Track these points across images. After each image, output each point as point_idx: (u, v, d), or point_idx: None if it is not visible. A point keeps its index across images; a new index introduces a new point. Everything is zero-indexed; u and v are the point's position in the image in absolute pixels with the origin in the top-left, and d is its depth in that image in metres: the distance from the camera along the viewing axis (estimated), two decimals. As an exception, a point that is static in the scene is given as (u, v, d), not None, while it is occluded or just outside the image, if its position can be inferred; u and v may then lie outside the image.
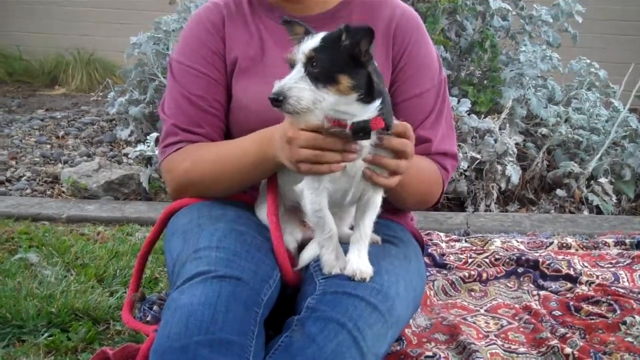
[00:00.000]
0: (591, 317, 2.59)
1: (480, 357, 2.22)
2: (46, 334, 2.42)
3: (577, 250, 3.36)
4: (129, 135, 5.31)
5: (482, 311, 2.65)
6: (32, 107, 7.00)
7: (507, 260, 3.07)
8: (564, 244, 3.40)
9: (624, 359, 2.27)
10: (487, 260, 3.11)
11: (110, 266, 3.01)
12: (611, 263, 3.16)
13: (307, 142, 1.87)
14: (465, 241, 3.49)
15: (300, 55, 1.79)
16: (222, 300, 1.81)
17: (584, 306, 2.66)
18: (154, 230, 2.37)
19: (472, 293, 2.82)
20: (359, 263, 1.97)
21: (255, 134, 2.15)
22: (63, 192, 4.44)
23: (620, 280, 2.94)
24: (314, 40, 1.81)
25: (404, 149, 1.93)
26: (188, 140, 2.30)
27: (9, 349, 2.35)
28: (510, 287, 2.89)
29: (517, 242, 3.45)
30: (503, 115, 4.44)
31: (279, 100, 1.75)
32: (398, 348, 2.28)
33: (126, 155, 5.08)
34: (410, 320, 2.44)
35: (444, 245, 3.41)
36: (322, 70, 1.77)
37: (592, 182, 4.43)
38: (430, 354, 2.26)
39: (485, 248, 3.34)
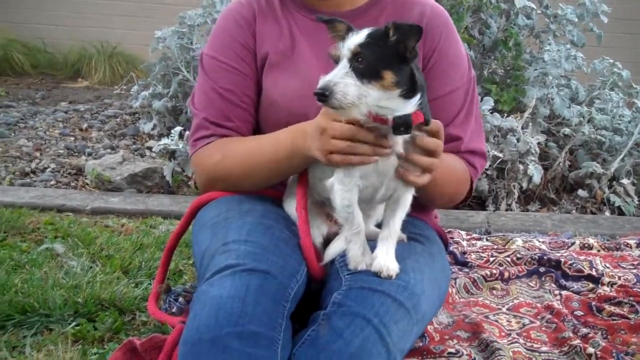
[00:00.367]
0: (613, 317, 2.59)
1: (503, 355, 2.23)
2: (73, 324, 2.45)
3: (598, 251, 3.36)
4: (152, 129, 5.35)
5: (504, 310, 2.66)
6: (56, 99, 7.07)
7: (529, 259, 3.08)
8: (586, 245, 3.40)
9: (647, 360, 2.27)
10: (508, 259, 3.12)
11: (135, 258, 3.04)
12: (633, 264, 3.16)
13: (340, 133, 1.90)
14: (487, 240, 3.50)
15: (346, 51, 1.81)
16: (251, 293, 1.83)
17: (606, 307, 2.66)
18: (181, 223, 2.40)
19: (494, 291, 2.83)
20: (386, 260, 1.99)
21: (288, 128, 2.17)
22: (87, 184, 4.49)
23: (643, 282, 2.93)
24: (359, 36, 1.83)
25: (435, 148, 1.95)
26: (219, 134, 2.32)
27: (37, 337, 2.39)
28: (532, 287, 2.90)
29: (539, 241, 3.45)
30: (526, 115, 4.43)
31: (325, 95, 1.77)
32: (421, 344, 2.30)
33: (149, 148, 5.12)
34: (433, 317, 2.46)
35: (465, 243, 3.42)
36: (367, 66, 1.79)
37: (614, 183, 4.42)
38: (453, 350, 2.27)
39: (506, 247, 3.35)
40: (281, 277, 1.94)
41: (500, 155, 4.25)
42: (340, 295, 1.93)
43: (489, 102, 4.33)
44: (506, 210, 4.24)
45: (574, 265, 3.00)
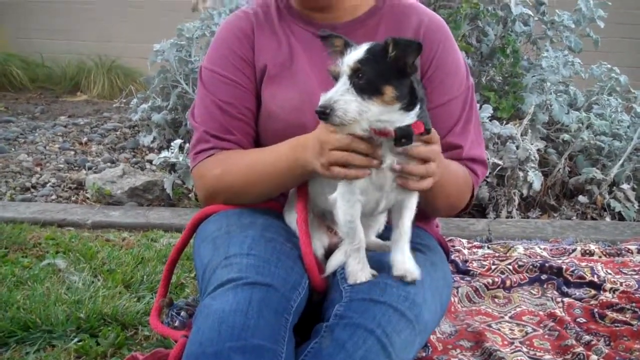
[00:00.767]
0: (616, 324, 2.59)
1: (506, 364, 2.22)
2: (76, 339, 2.45)
3: (600, 257, 3.35)
4: (152, 142, 5.36)
5: (506, 318, 2.66)
6: (55, 113, 7.08)
7: (531, 267, 3.08)
8: (587, 251, 3.40)
9: (650, 366, 2.27)
10: (510, 267, 3.12)
11: (136, 272, 3.04)
12: (634, 270, 3.15)
13: (339, 144, 1.93)
14: (488, 248, 3.50)
15: (345, 67, 1.83)
16: (254, 306, 1.84)
17: (608, 313, 2.66)
18: (182, 237, 2.40)
19: (496, 300, 2.83)
20: (405, 263, 2.01)
21: (289, 141, 2.18)
22: (87, 198, 4.49)
23: (645, 288, 2.93)
24: (358, 52, 1.84)
25: (428, 156, 1.97)
26: (219, 147, 2.33)
27: (39, 353, 2.38)
28: (534, 294, 2.89)
29: (540, 248, 3.45)
30: (525, 121, 4.44)
31: (325, 113, 1.78)
32: (424, 354, 2.30)
33: (149, 161, 5.12)
34: (436, 327, 2.45)
35: (466, 251, 3.42)
36: (367, 82, 1.81)
37: (614, 188, 4.42)
38: (456, 360, 2.27)
39: (508, 255, 3.35)
40: (283, 290, 1.94)
41: (500, 162, 4.25)
42: (342, 307, 1.94)
43: (487, 110, 4.34)
44: (507, 217, 4.24)
45: (576, 272, 3.00)
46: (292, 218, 2.21)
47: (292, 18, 2.42)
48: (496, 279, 2.94)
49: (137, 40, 8.14)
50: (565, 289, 2.90)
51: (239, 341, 1.76)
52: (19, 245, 3.44)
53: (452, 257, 3.23)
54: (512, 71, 4.81)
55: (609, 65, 5.13)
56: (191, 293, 2.83)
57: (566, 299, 2.81)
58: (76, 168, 5.14)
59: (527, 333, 2.52)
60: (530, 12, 4.89)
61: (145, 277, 3.00)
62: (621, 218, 4.27)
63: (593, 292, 2.87)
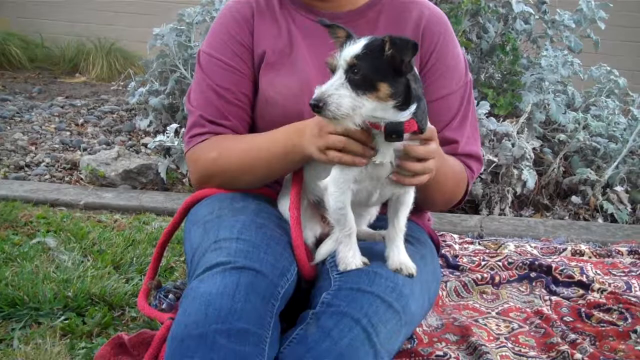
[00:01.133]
0: (602, 324, 2.60)
1: (491, 359, 2.23)
2: (62, 317, 2.46)
3: (590, 257, 3.36)
4: (148, 126, 5.34)
5: (493, 314, 2.67)
6: (53, 94, 7.05)
7: (520, 264, 3.09)
8: (578, 251, 3.41)
9: (634, 367, 2.28)
10: (500, 263, 3.13)
11: (126, 254, 3.04)
12: (624, 272, 3.16)
13: (336, 129, 1.93)
14: (479, 244, 3.50)
15: (342, 62, 1.83)
16: (241, 290, 1.84)
17: (595, 313, 2.67)
18: (174, 220, 2.40)
19: (484, 295, 2.84)
20: (400, 258, 2.03)
21: (285, 127, 2.19)
22: (81, 179, 4.48)
23: (632, 289, 2.94)
24: (355, 47, 1.84)
25: (425, 155, 1.97)
26: (214, 132, 2.33)
27: (25, 330, 2.39)
28: (522, 291, 2.90)
29: (531, 247, 3.46)
30: (522, 120, 4.44)
31: (319, 107, 1.79)
32: (409, 346, 2.31)
33: (145, 145, 5.11)
34: (422, 320, 2.46)
35: (457, 247, 3.42)
36: (362, 78, 1.81)
37: (607, 190, 4.43)
38: (440, 353, 2.28)
39: (498, 251, 3.35)
40: (271, 276, 1.95)
41: (495, 159, 4.25)
42: (329, 295, 1.94)
43: (485, 106, 4.33)
44: (499, 214, 4.25)
45: (565, 271, 3.01)
46: (286, 205, 2.21)
47: (293, 5, 2.41)
48: (485, 275, 2.95)
49: (138, 24, 8.11)
50: (553, 287, 2.91)
51: (225, 324, 1.76)
52: (10, 223, 3.44)
53: (443, 251, 3.24)
54: (511, 69, 4.80)
55: (608, 67, 5.13)
56: (180, 276, 2.83)
57: (554, 298, 2.82)
58: (71, 149, 5.12)
59: (513, 329, 2.53)
60: (531, 11, 4.88)
61: (135, 259, 3.00)
62: (613, 220, 4.28)
63: (581, 291, 2.88)
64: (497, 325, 2.57)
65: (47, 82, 7.76)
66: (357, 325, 1.85)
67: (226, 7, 2.48)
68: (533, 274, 3.00)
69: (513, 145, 4.26)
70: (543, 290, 2.91)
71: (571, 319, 2.64)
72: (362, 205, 2.13)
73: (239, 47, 2.37)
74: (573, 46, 5.01)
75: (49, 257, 2.99)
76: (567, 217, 4.30)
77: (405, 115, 1.87)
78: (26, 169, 4.69)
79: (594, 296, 2.83)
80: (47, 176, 4.56)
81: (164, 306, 2.50)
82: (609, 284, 2.97)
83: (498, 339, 2.45)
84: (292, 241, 2.09)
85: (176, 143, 4.38)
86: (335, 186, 2.00)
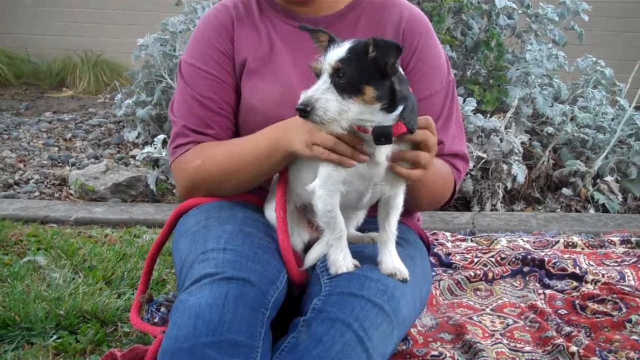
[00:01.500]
0: (597, 315, 2.59)
1: (486, 356, 2.23)
2: (55, 336, 2.44)
3: (583, 249, 3.36)
4: (137, 137, 5.33)
5: (487, 310, 2.66)
6: (40, 109, 7.03)
7: (513, 259, 3.08)
8: (570, 243, 3.41)
9: (630, 357, 2.28)
10: (492, 259, 3.12)
11: (118, 268, 3.03)
12: (617, 261, 3.16)
13: None
14: (471, 241, 3.50)
15: (327, 66, 1.83)
16: (230, 301, 1.83)
17: (589, 305, 2.66)
18: (162, 232, 2.39)
19: (478, 292, 2.83)
20: (394, 262, 2.03)
21: (267, 127, 2.19)
22: (71, 194, 4.47)
23: (626, 279, 2.94)
24: (340, 51, 1.84)
25: (425, 140, 1.96)
26: (198, 142, 2.32)
27: (18, 351, 2.37)
28: (516, 286, 2.90)
29: (523, 241, 3.45)
30: (509, 114, 4.44)
31: (306, 111, 1.78)
32: (404, 348, 2.30)
33: (133, 157, 5.10)
34: (416, 320, 2.45)
35: (449, 245, 3.42)
36: (348, 81, 1.81)
37: (598, 180, 4.43)
38: (436, 353, 2.27)
39: (491, 247, 3.35)
40: (260, 285, 1.94)
41: (484, 155, 4.25)
42: (320, 301, 1.93)
43: (471, 103, 4.34)
44: (491, 210, 4.25)
45: (558, 264, 3.01)
46: (272, 213, 2.20)
47: (272, 11, 2.40)
48: (478, 272, 2.94)
49: (123, 36, 8.08)
50: (547, 280, 2.91)
51: (215, 336, 1.75)
52: (0, 243, 3.41)
53: (435, 250, 3.24)
54: (497, 64, 4.81)
55: (594, 58, 5.14)
56: (172, 289, 2.81)
57: (548, 291, 2.81)
58: (60, 164, 5.11)
59: (507, 325, 2.52)
60: (514, 5, 4.89)
61: (126, 273, 2.98)
62: (605, 210, 4.29)
63: (575, 283, 2.88)
64: (491, 321, 2.56)
65: (34, 97, 7.74)
66: (349, 330, 1.84)
67: (206, 16, 2.47)
68: (526, 269, 3.00)
69: (501, 140, 4.27)
70: (537, 284, 2.91)
71: (566, 312, 2.64)
72: (352, 208, 2.12)
73: (220, 55, 2.37)
74: (557, 39, 5.02)
75: (40, 275, 2.96)
76: (558, 210, 4.30)
77: (392, 118, 1.87)
78: (15, 186, 4.67)
79: (587, 288, 2.82)
80: (37, 193, 4.54)
81: (156, 320, 2.49)
82: (603, 275, 2.97)
83: (493, 335, 2.45)
84: (279, 242, 2.08)
85: (164, 154, 4.37)
86: (323, 189, 1.99)
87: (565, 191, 4.38)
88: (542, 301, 2.72)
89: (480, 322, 2.55)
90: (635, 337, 2.41)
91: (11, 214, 3.96)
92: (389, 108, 1.86)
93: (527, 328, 2.50)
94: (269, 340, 1.87)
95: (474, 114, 4.33)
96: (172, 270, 2.98)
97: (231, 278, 1.90)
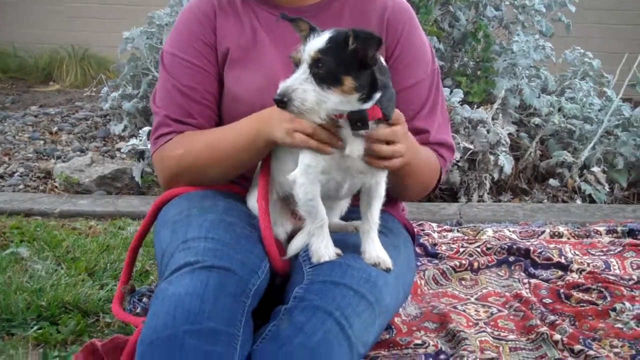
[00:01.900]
0: (581, 304, 2.59)
1: (470, 345, 2.22)
2: (35, 327, 2.42)
3: (568, 239, 3.36)
4: (123, 130, 5.29)
5: (472, 299, 2.65)
6: (26, 103, 6.98)
7: (499, 249, 3.08)
8: (556, 233, 3.40)
9: (613, 344, 2.27)
10: (478, 249, 3.11)
11: (100, 260, 3.01)
12: (602, 251, 3.16)
13: None
14: (458, 231, 3.49)
15: (306, 56, 1.81)
16: (210, 290, 1.82)
17: (574, 294, 2.66)
18: (144, 222, 2.37)
19: (463, 282, 2.83)
20: (377, 252, 2.02)
21: (249, 116, 2.18)
22: (56, 187, 4.44)
23: (611, 268, 2.94)
24: (319, 41, 1.82)
25: (392, 138, 1.95)
26: (179, 131, 2.30)
27: (-3, 342, 2.35)
28: (501, 276, 2.89)
29: (509, 231, 3.44)
30: (496, 106, 4.44)
31: (283, 102, 1.77)
32: (387, 337, 2.29)
33: (119, 150, 5.07)
34: (401, 309, 2.45)
35: (436, 235, 3.40)
36: (327, 72, 1.79)
37: (585, 171, 4.43)
38: (419, 342, 2.26)
39: (477, 238, 3.34)
40: (241, 273, 1.92)
41: (471, 146, 4.24)
42: (301, 290, 1.92)
43: (458, 94, 4.33)
44: (478, 201, 4.24)
45: (543, 253, 3.00)
46: (255, 203, 2.18)
47: (255, 1, 2.38)
48: (464, 262, 2.94)
49: (110, 29, 8.02)
50: (532, 270, 2.90)
51: (194, 325, 1.74)
52: (-17, 236, 3.39)
53: (422, 240, 3.23)
54: (484, 56, 4.80)
55: (582, 50, 5.13)
56: (155, 280, 2.80)
57: (533, 280, 2.81)
58: (45, 157, 5.07)
59: (492, 314, 2.52)
60: (501, -4, 4.88)
61: (109, 264, 2.97)
62: (592, 201, 4.29)
63: (560, 273, 2.87)
64: (476, 310, 2.56)
65: (20, 91, 7.69)
66: (330, 318, 1.83)
67: (188, 6, 2.45)
68: (511, 258, 2.99)
69: (488, 131, 4.26)
70: (522, 273, 2.91)
71: (550, 301, 2.63)
72: (332, 198, 2.11)
73: (202, 45, 2.34)
74: (545, 30, 5.01)
75: (22, 267, 2.95)
76: (545, 200, 4.31)
77: (367, 105, 1.86)
78: (0, 180, 4.63)
79: (572, 277, 2.82)
80: (21, 186, 4.51)
81: (138, 310, 2.47)
82: (588, 264, 2.96)
83: (477, 324, 2.44)
84: (261, 232, 2.06)
85: (149, 146, 4.33)
86: (304, 177, 1.98)
87: (552, 182, 4.38)
88: (527, 290, 2.71)
89: (464, 311, 2.54)
90: (619, 325, 2.40)
91: (-5, 207, 3.93)
92: (367, 98, 1.85)
93: (511, 317, 2.49)
94: (249, 328, 1.86)
95: (461, 105, 4.32)
96: (155, 262, 2.95)
97: (212, 267, 1.88)
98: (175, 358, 1.69)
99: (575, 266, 2.89)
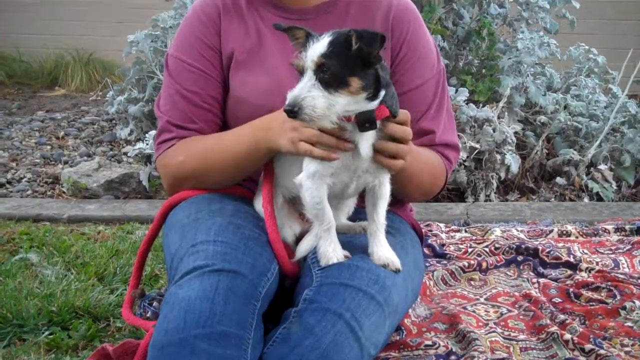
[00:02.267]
0: (591, 303, 2.58)
1: (480, 345, 2.21)
2: (47, 333, 2.43)
3: (577, 237, 3.35)
4: (129, 134, 5.30)
5: (482, 300, 2.65)
6: (32, 108, 7.01)
7: (507, 249, 3.08)
8: (564, 232, 3.40)
9: (624, 343, 2.27)
10: (486, 249, 3.11)
11: (110, 264, 3.02)
12: (611, 249, 3.16)
13: None
14: (465, 231, 3.49)
15: (310, 62, 1.81)
16: (220, 293, 1.82)
17: (583, 292, 2.65)
18: (153, 226, 2.37)
19: (472, 282, 2.82)
20: (386, 253, 2.02)
21: (250, 123, 2.17)
22: (64, 192, 4.45)
23: (620, 266, 2.94)
24: (320, 45, 1.82)
25: (403, 135, 1.95)
26: (181, 137, 2.31)
27: (9, 348, 2.36)
28: (510, 276, 2.89)
29: (517, 231, 3.44)
30: (501, 104, 4.43)
31: (294, 111, 1.78)
32: (398, 338, 2.29)
33: (126, 154, 5.08)
34: (410, 310, 2.45)
35: (443, 235, 3.40)
36: (332, 75, 1.80)
37: (591, 169, 4.43)
38: (430, 342, 2.26)
39: (485, 237, 3.34)
40: (251, 276, 1.92)
41: (477, 146, 4.24)
42: (311, 292, 1.92)
43: (464, 93, 4.32)
44: (485, 201, 4.24)
45: (552, 252, 3.00)
46: (261, 205, 2.19)
47: (260, 2, 2.38)
48: (472, 262, 2.94)
49: (115, 33, 8.03)
50: (541, 269, 2.90)
51: (205, 328, 1.74)
52: (-8, 242, 3.41)
53: (430, 241, 3.23)
54: (489, 54, 4.80)
55: (586, 47, 5.12)
56: (165, 284, 2.80)
57: (542, 280, 2.80)
58: (52, 162, 5.09)
59: (502, 314, 2.52)
60: (505, -6, 4.88)
61: (118, 269, 2.98)
62: (599, 199, 4.28)
63: (569, 272, 2.87)
64: (486, 311, 2.55)
65: (26, 97, 7.71)
66: (340, 320, 1.83)
67: (192, 9, 2.45)
68: (520, 258, 2.99)
69: (494, 130, 4.26)
70: (531, 273, 2.90)
71: (560, 300, 2.63)
72: (337, 198, 2.12)
73: (206, 49, 2.34)
74: (549, 27, 5.00)
75: (32, 272, 2.95)
76: (553, 199, 4.30)
77: (374, 104, 1.86)
78: (7, 185, 4.66)
79: (581, 276, 2.81)
80: (29, 192, 4.53)
81: (148, 315, 2.48)
82: (597, 263, 2.96)
83: (487, 324, 2.44)
84: (269, 236, 2.06)
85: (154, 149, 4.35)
86: (311, 181, 1.98)
87: (559, 180, 4.38)
88: (536, 290, 2.71)
89: (474, 311, 2.54)
90: (629, 324, 2.40)
91: (3, 213, 3.95)
92: (374, 96, 1.85)
93: (521, 317, 2.49)
94: (260, 331, 1.86)
95: (467, 104, 4.31)
96: (164, 266, 2.96)
97: (221, 270, 1.89)
98: (187, 362, 1.69)
99: (584, 265, 2.89)
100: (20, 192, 4.52)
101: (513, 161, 4.25)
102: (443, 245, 3.22)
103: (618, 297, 2.61)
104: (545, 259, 2.97)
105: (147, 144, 4.40)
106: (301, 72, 1.84)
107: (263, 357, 1.82)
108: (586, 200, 4.27)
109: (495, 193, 4.28)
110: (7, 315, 2.50)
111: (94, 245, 3.32)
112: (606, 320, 2.44)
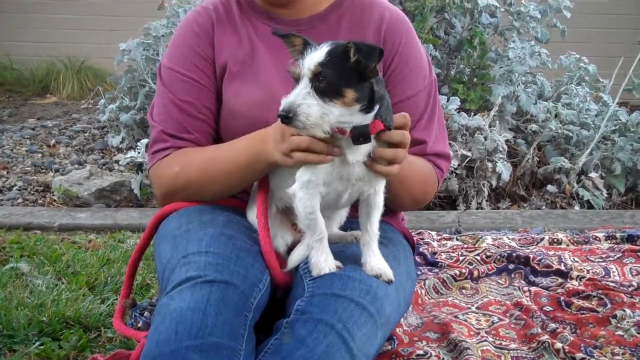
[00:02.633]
0: (582, 311, 2.59)
1: (471, 355, 2.22)
2: (37, 343, 2.42)
3: (567, 245, 3.36)
4: (121, 142, 5.29)
5: (473, 308, 2.65)
6: (24, 116, 6.99)
7: (498, 257, 3.08)
8: (555, 240, 3.41)
9: (615, 352, 2.27)
10: (478, 257, 3.12)
11: (101, 273, 3.01)
12: (602, 257, 3.17)
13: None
14: (457, 239, 3.49)
15: (306, 70, 1.82)
16: (212, 304, 1.82)
17: (574, 301, 2.66)
18: (144, 236, 2.36)
19: (463, 291, 2.83)
20: (378, 264, 2.02)
21: (247, 135, 2.17)
22: (54, 200, 4.44)
23: (611, 274, 2.95)
24: (318, 54, 1.83)
25: (402, 139, 1.95)
26: (176, 147, 2.30)
27: (0, 359, 2.35)
28: (502, 284, 2.90)
29: (509, 239, 3.45)
30: (493, 113, 4.45)
31: (288, 117, 1.78)
32: (389, 347, 2.29)
33: (117, 162, 5.07)
34: (402, 320, 2.45)
35: (435, 244, 3.41)
36: (328, 85, 1.80)
37: (582, 177, 4.45)
38: (421, 352, 2.26)
39: (476, 246, 3.35)
40: (243, 287, 1.92)
41: (469, 154, 4.26)
42: (303, 302, 1.92)
43: (455, 102, 4.34)
44: (477, 209, 4.25)
45: (543, 260, 3.01)
46: (254, 214, 2.19)
47: (253, 13, 2.38)
48: (464, 270, 2.94)
49: (107, 41, 8.04)
50: (532, 278, 2.91)
51: (197, 340, 1.74)
52: (-18, 251, 3.39)
53: (421, 249, 3.23)
54: (480, 63, 4.82)
55: (577, 55, 5.15)
56: (156, 293, 2.79)
57: (533, 288, 2.81)
58: (43, 171, 5.07)
59: (493, 323, 2.52)
60: (496, 3, 4.90)
61: (109, 278, 2.97)
62: (590, 206, 4.30)
63: (560, 280, 2.88)
64: (477, 320, 2.56)
65: (17, 104, 7.69)
66: (332, 331, 1.83)
67: (185, 19, 2.45)
68: (511, 266, 3.00)
69: (485, 138, 4.27)
70: (522, 281, 2.91)
71: (551, 308, 2.64)
72: (331, 208, 2.12)
73: (200, 59, 2.34)
74: (540, 36, 5.04)
75: (23, 282, 2.94)
76: (544, 207, 4.32)
77: (369, 117, 1.87)
78: (-2, 194, 4.64)
79: (572, 284, 2.82)
80: (20, 200, 4.52)
81: (140, 325, 2.47)
82: (588, 271, 2.97)
83: (479, 333, 2.44)
84: (262, 247, 2.06)
85: (146, 158, 4.35)
86: (303, 191, 1.98)
87: (550, 188, 4.40)
88: (528, 298, 2.72)
89: (465, 320, 2.54)
90: (620, 332, 2.41)
91: (-6, 222, 3.93)
92: (367, 108, 1.86)
93: (512, 325, 2.49)
94: (252, 342, 1.86)
95: (458, 112, 4.33)
96: (156, 275, 2.95)
97: (213, 281, 1.88)
98: (178, 374, 1.69)
99: (575, 273, 2.90)
100: (10, 200, 4.50)
101: (504, 169, 4.26)
102: (435, 253, 3.23)
103: (609, 306, 2.62)
104: (537, 267, 2.98)
105: (139, 152, 4.39)
106: (297, 80, 1.84)
107: (255, 368, 1.81)
108: (577, 208, 4.29)
109: (486, 201, 4.30)
110: (-3, 326, 2.49)
111: (85, 254, 3.31)
112: (597, 329, 2.45)
